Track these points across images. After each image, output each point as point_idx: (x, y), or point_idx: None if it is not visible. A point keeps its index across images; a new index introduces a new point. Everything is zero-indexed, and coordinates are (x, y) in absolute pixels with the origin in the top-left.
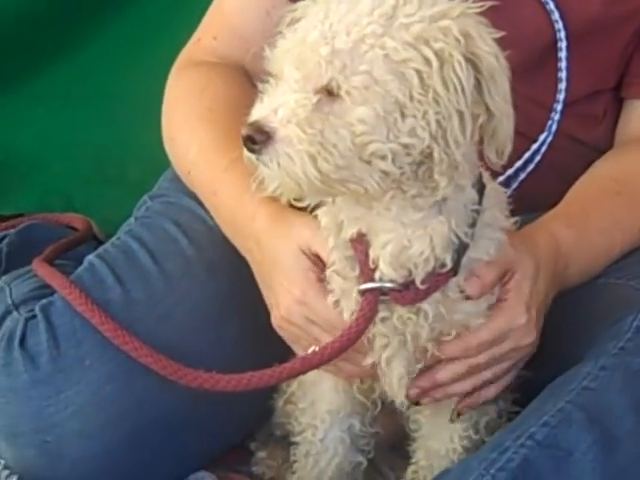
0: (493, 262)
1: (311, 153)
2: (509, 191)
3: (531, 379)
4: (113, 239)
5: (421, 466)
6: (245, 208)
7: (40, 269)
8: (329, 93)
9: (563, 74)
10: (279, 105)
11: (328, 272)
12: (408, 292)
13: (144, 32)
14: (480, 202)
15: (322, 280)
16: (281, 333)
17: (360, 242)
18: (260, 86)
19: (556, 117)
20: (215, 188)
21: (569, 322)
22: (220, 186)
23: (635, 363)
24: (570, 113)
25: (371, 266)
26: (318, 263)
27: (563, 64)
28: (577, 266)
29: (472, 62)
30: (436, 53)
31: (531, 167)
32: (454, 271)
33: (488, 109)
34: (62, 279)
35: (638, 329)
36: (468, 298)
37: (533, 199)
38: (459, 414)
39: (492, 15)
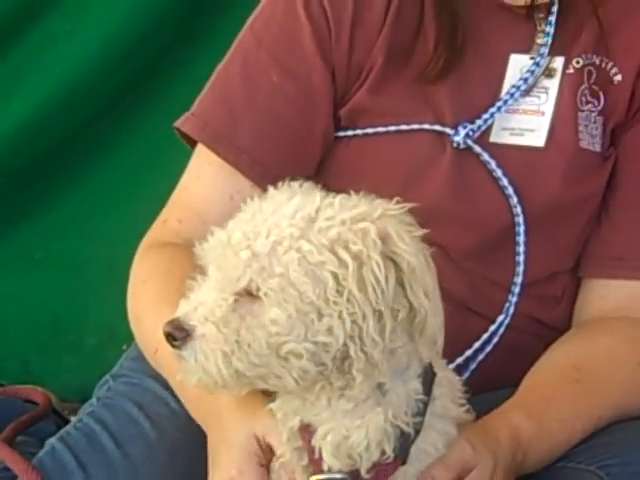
0: (450, 463)
1: (225, 352)
2: (467, 372)
3: None
4: (75, 420)
5: None
6: None
7: (1, 451)
8: (249, 294)
9: (521, 258)
10: (199, 303)
11: (277, 463)
12: None
13: (105, 200)
14: (429, 392)
15: (264, 466)
16: None
17: (307, 432)
18: (188, 283)
19: (513, 300)
20: None
21: None
22: None
23: None
24: (529, 294)
25: (316, 456)
26: (267, 453)
27: (521, 248)
28: (536, 456)
29: (393, 261)
30: (354, 255)
31: (489, 348)
32: (402, 460)
33: (412, 306)
34: (23, 464)
35: None
36: None
37: (492, 378)
38: None
39: (452, 197)
